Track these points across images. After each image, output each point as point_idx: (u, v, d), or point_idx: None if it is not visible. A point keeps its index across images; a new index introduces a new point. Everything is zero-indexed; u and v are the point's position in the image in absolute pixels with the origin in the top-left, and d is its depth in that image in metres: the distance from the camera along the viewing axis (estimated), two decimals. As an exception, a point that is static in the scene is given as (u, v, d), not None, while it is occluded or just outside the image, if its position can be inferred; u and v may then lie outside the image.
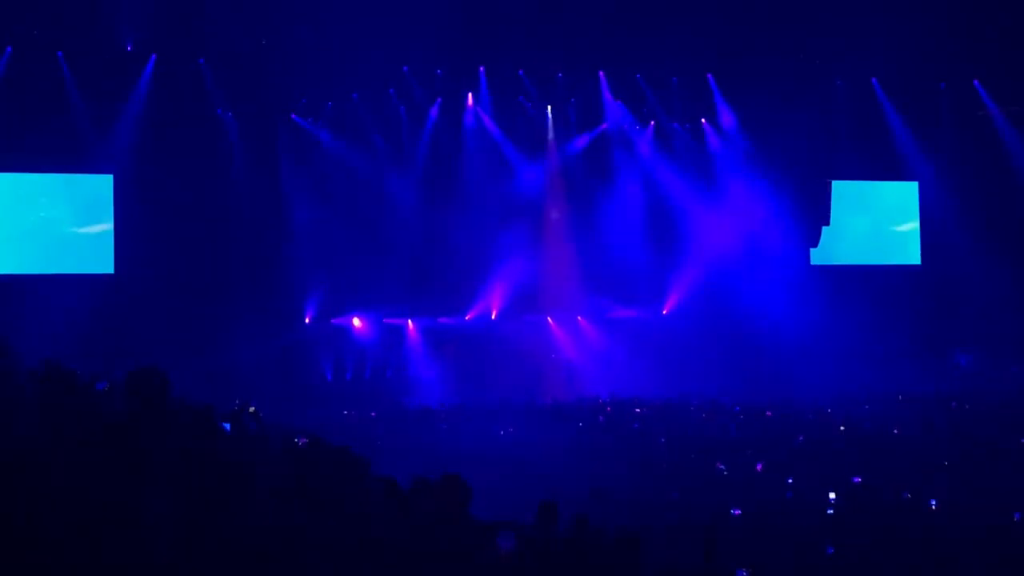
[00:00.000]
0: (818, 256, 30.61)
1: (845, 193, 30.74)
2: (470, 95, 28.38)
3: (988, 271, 28.54)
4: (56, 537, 3.35)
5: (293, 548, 3.52)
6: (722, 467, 15.37)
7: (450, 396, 25.02)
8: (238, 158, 26.54)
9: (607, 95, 28.86)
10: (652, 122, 29.58)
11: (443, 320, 28.37)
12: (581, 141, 29.45)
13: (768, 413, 21.39)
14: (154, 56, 25.30)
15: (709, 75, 28.55)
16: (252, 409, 13.72)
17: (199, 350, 24.22)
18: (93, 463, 3.76)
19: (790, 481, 14.16)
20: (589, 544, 6.42)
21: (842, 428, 19.64)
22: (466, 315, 28.52)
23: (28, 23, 23.48)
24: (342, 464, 6.45)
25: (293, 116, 27.19)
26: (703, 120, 29.69)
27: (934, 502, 11.87)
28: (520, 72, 28.05)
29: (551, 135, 29.27)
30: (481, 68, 27.78)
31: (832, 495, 12.37)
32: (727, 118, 29.33)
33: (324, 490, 5.66)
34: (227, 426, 7.81)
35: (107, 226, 25.87)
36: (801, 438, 17.77)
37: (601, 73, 28.37)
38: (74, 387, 5.83)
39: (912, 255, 30.94)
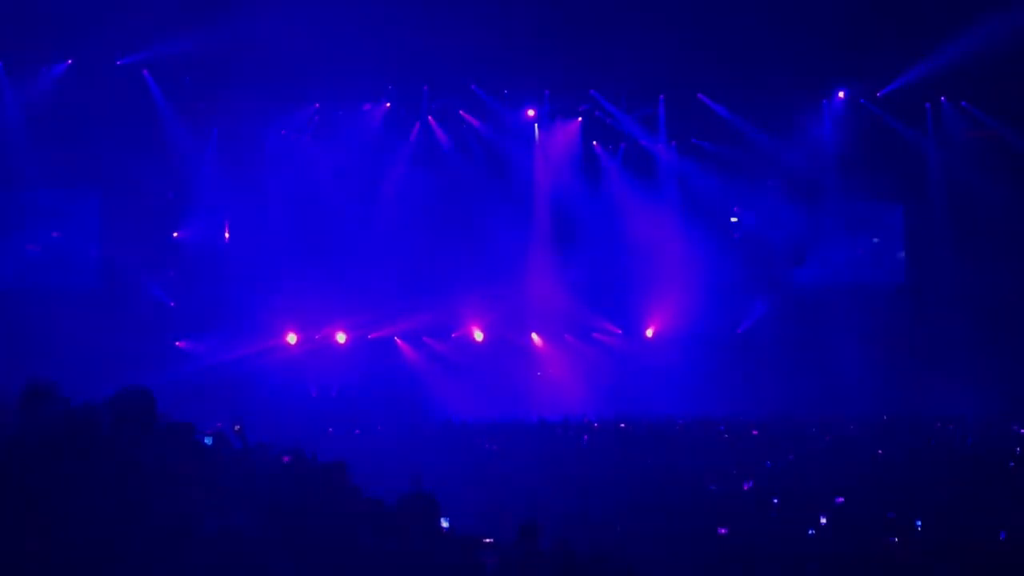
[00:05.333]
0: (803, 275, 30.64)
1: (831, 213, 30.76)
2: (461, 112, 28.40)
3: (972, 289, 28.59)
4: (44, 551, 3.33)
5: (275, 561, 3.49)
6: (712, 486, 15.35)
7: (435, 413, 24.95)
8: (222, 172, 26.52)
9: (598, 113, 28.89)
10: (640, 140, 29.58)
11: (428, 338, 28.36)
12: (569, 159, 29.44)
13: (754, 432, 21.39)
14: (146, 72, 25.33)
15: (700, 95, 28.54)
16: (237, 428, 13.66)
17: (182, 365, 24.29)
18: (79, 480, 3.74)
19: (775, 501, 14.13)
20: (576, 568, 6.40)
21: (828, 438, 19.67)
22: (452, 333, 28.51)
23: (16, 37, 23.43)
24: (326, 481, 6.42)
25: (283, 131, 27.25)
26: (692, 140, 29.70)
27: (919, 522, 11.86)
28: (505, 91, 28.08)
29: (539, 151, 29.27)
30: (473, 86, 27.79)
31: (823, 519, 12.34)
32: (715, 137, 29.34)
33: (307, 506, 5.62)
34: (208, 441, 7.76)
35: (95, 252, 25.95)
36: (792, 457, 17.76)
37: (593, 92, 28.35)
38: (58, 403, 5.78)
39: (896, 273, 30.97)
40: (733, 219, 30.39)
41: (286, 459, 9.21)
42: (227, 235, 27.30)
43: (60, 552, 3.27)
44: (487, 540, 6.81)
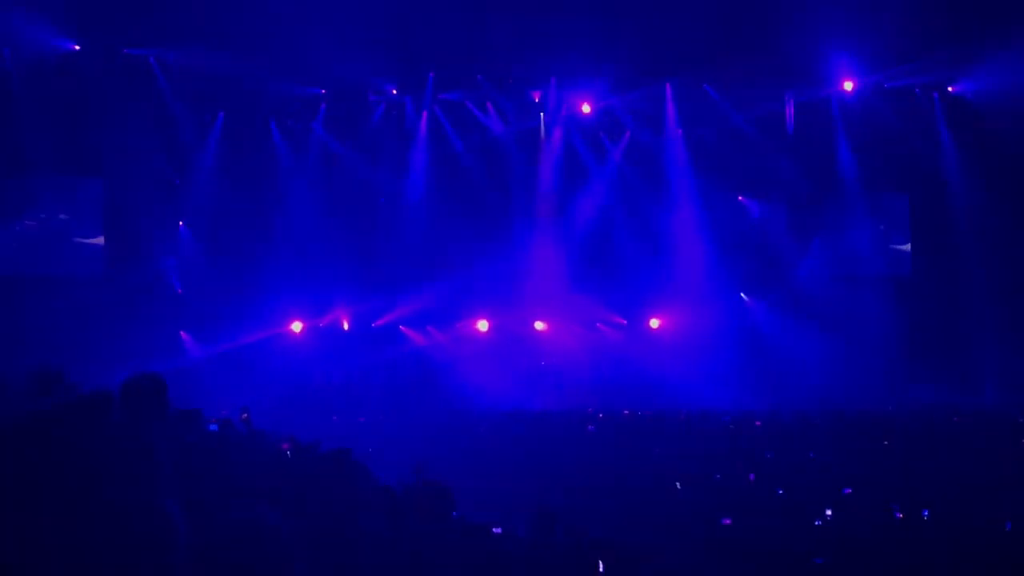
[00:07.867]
0: (808, 266, 30.54)
1: (837, 203, 30.66)
2: (466, 103, 28.33)
3: (979, 281, 28.53)
4: (55, 544, 3.31)
5: (281, 549, 3.47)
6: (718, 476, 15.34)
7: (440, 402, 24.96)
8: (230, 161, 26.50)
9: (603, 101, 28.78)
10: (645, 130, 29.47)
11: (432, 327, 28.32)
12: (574, 147, 29.35)
13: (757, 423, 21.35)
14: (152, 60, 25.30)
15: (706, 85, 28.40)
16: (245, 416, 13.74)
17: (188, 353, 24.38)
18: (88, 467, 3.72)
19: (780, 492, 14.12)
20: (586, 555, 6.39)
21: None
22: (456, 322, 28.45)
23: (23, 22, 23.38)
24: (333, 468, 6.40)
25: (289, 120, 27.25)
26: (698, 130, 29.53)
27: (926, 512, 11.84)
28: (510, 79, 27.99)
29: (543, 135, 29.17)
30: (479, 76, 27.72)
31: (829, 511, 12.31)
32: (720, 127, 29.19)
33: (314, 494, 5.61)
34: (215, 428, 7.76)
35: (100, 239, 25.91)
36: (798, 448, 17.74)
37: (598, 80, 28.16)
38: (68, 391, 5.77)
39: (902, 265, 30.85)
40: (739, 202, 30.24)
41: (285, 446, 9.22)
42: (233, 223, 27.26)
43: (71, 541, 3.24)
44: (495, 529, 6.79)
